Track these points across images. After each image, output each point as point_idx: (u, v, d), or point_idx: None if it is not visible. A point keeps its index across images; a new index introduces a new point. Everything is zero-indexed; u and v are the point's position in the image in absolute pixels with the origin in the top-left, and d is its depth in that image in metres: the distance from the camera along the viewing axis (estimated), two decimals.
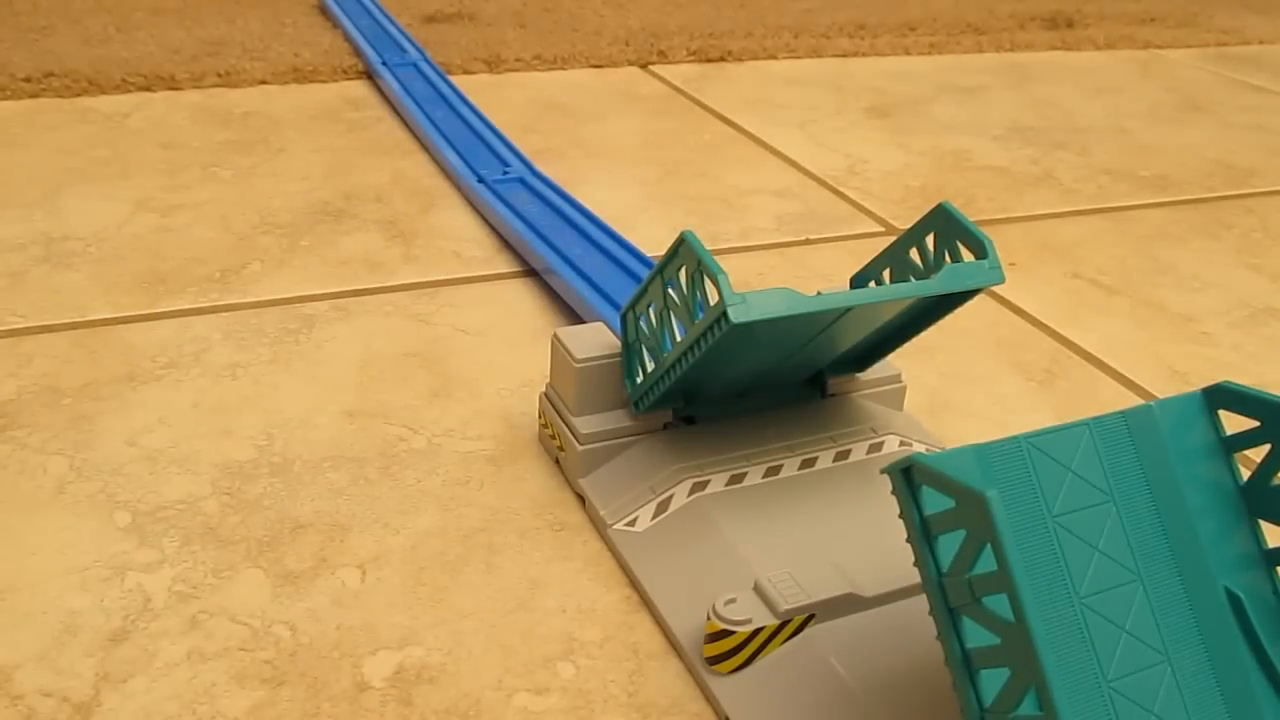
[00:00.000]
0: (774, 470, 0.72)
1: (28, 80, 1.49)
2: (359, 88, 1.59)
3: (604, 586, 0.68)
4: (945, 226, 0.70)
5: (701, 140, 1.47)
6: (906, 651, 0.60)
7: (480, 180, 1.20)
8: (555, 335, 0.76)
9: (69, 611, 0.63)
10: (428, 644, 0.63)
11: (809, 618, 0.60)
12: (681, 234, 0.64)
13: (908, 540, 0.51)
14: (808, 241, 1.18)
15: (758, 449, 0.74)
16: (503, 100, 1.57)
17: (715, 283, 0.60)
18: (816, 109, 1.64)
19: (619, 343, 0.75)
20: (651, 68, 1.80)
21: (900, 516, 0.51)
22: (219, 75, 1.57)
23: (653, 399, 0.71)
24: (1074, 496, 0.54)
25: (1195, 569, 0.55)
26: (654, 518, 0.70)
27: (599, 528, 0.72)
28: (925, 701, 0.58)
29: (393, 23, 1.79)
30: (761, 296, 0.60)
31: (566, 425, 0.75)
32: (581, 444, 0.74)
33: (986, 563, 0.47)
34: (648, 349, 0.71)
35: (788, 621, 0.59)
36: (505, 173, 1.22)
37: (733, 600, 0.60)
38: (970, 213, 1.29)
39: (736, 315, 0.59)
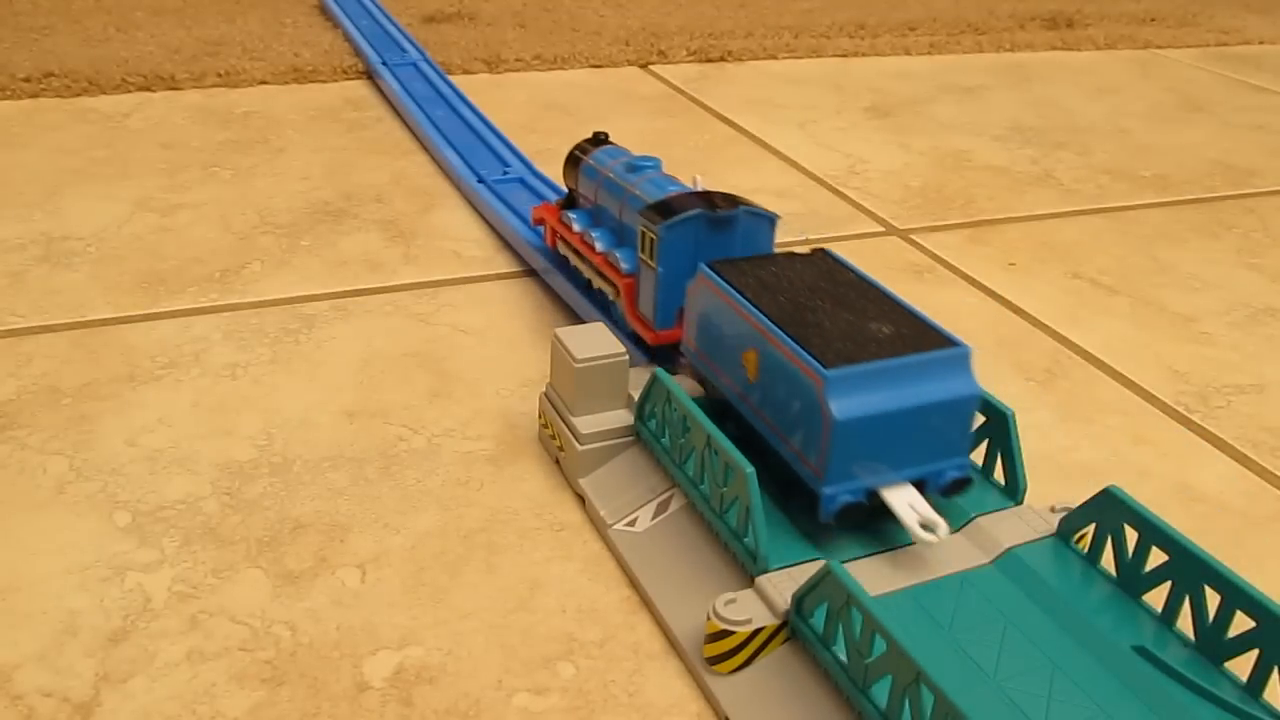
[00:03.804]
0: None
1: (28, 80, 1.49)
2: (359, 88, 1.59)
3: (604, 586, 0.68)
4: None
5: (701, 140, 1.47)
6: None
7: (480, 180, 1.20)
8: (555, 335, 0.76)
9: (69, 611, 0.63)
10: (428, 644, 0.63)
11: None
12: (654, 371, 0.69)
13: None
14: (808, 241, 1.18)
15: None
16: (503, 100, 1.57)
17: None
18: (816, 109, 1.64)
19: (619, 343, 0.75)
20: (651, 68, 1.80)
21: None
22: (219, 75, 1.57)
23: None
24: (970, 618, 0.59)
25: (1101, 645, 0.58)
26: (654, 518, 0.70)
27: (599, 528, 0.72)
28: None
29: (393, 22, 1.79)
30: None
31: (566, 425, 0.75)
32: (581, 444, 0.74)
33: (861, 626, 0.53)
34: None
35: (788, 621, 0.59)
36: (505, 173, 1.22)
37: (733, 600, 0.59)
38: (970, 213, 1.29)
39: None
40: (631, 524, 0.70)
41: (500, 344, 0.94)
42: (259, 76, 1.58)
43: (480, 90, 1.59)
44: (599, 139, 0.96)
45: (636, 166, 0.89)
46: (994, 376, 0.95)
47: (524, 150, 1.30)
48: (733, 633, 0.59)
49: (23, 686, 0.58)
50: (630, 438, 0.75)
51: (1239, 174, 1.50)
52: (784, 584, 0.60)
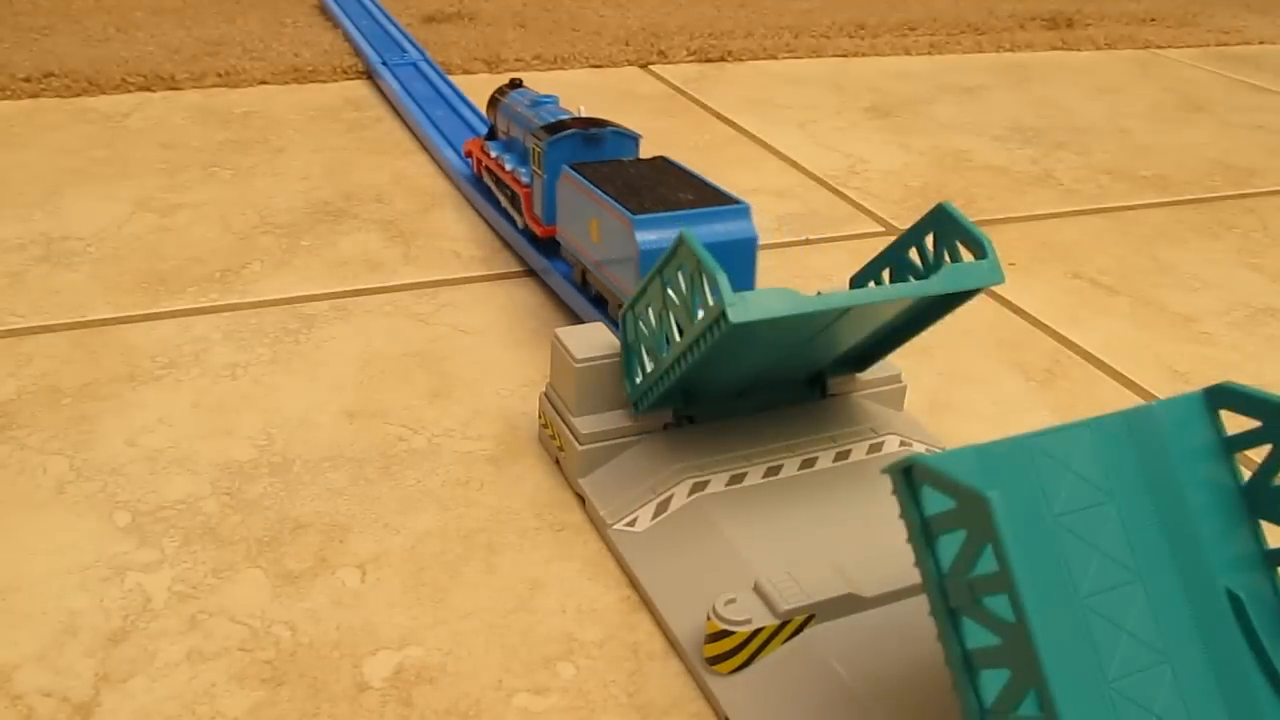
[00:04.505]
0: (774, 470, 0.72)
1: (28, 80, 1.49)
2: (359, 88, 1.59)
3: (604, 586, 0.68)
4: (945, 227, 0.70)
5: (702, 140, 1.47)
6: (907, 652, 0.60)
7: (480, 181, 1.20)
8: (555, 335, 0.76)
9: (69, 611, 0.63)
10: (428, 644, 0.63)
11: (809, 618, 0.60)
12: (680, 233, 0.64)
13: (908, 541, 0.51)
14: (808, 241, 1.18)
15: (758, 449, 0.74)
16: None
17: (714, 282, 0.60)
18: (816, 109, 1.64)
19: (619, 343, 0.75)
20: (651, 67, 1.80)
21: (901, 517, 0.51)
22: (219, 75, 1.57)
23: (652, 399, 0.71)
24: (1074, 497, 0.54)
25: (1195, 569, 0.55)
26: (654, 518, 0.70)
27: (599, 528, 0.72)
28: (925, 702, 0.57)
29: (392, 22, 1.79)
30: (760, 296, 0.60)
31: (566, 425, 0.75)
32: (581, 444, 0.74)
33: (987, 563, 0.47)
34: (647, 349, 0.71)
35: (787, 622, 0.59)
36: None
37: (733, 600, 0.60)
38: (970, 213, 1.29)
39: (735, 315, 0.59)
40: (631, 524, 0.70)
41: (500, 344, 0.94)
42: (259, 76, 1.58)
43: (480, 90, 1.59)
44: (514, 84, 1.15)
45: (538, 102, 1.06)
46: (994, 376, 0.95)
47: None
48: (733, 633, 0.59)
49: (23, 686, 0.58)
50: (631, 438, 0.75)
51: (1239, 174, 1.50)
52: (784, 584, 0.60)
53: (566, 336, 0.76)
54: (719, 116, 1.57)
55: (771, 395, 0.79)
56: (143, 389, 0.85)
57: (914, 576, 0.62)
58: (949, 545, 0.49)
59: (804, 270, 1.11)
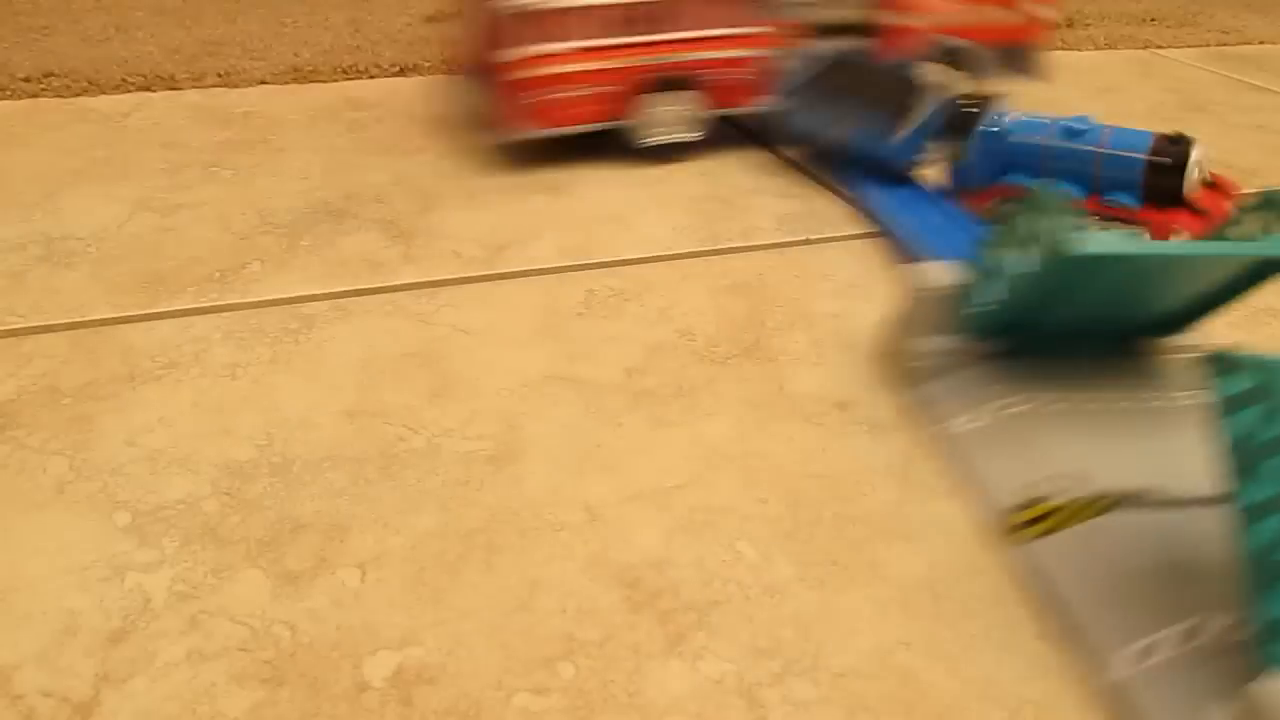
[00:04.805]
0: (1085, 402, 0.84)
1: (28, 80, 1.49)
2: (359, 88, 1.59)
3: (604, 586, 0.68)
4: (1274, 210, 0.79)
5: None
6: (1197, 547, 0.68)
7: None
8: (907, 268, 0.92)
9: (69, 611, 0.63)
10: (428, 644, 0.63)
11: (1112, 503, 0.71)
12: (1033, 188, 0.76)
13: (1211, 414, 0.61)
14: (808, 241, 1.18)
15: (1071, 383, 0.86)
16: None
17: (1062, 221, 0.72)
18: None
19: (960, 278, 0.87)
20: None
21: (1204, 400, 0.62)
22: (219, 75, 1.57)
23: (984, 328, 0.84)
24: None
25: None
26: (978, 421, 0.83)
27: (927, 426, 0.84)
28: (1213, 591, 0.65)
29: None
30: (1100, 235, 0.74)
31: (908, 343, 0.89)
32: (919, 360, 0.88)
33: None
34: (986, 284, 0.83)
35: (1093, 502, 0.71)
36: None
37: (1047, 479, 0.73)
38: None
39: (1078, 247, 0.70)
40: (958, 424, 0.83)
41: (500, 344, 0.94)
42: (259, 76, 1.58)
43: None
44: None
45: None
46: None
47: (522, 150, 1.30)
48: (1044, 502, 0.71)
49: (23, 686, 0.58)
50: (961, 360, 0.87)
51: (1239, 174, 1.50)
52: (1092, 474, 0.72)
53: (917, 270, 0.90)
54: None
55: (1088, 345, 0.88)
56: (143, 389, 0.85)
57: (1212, 489, 0.66)
58: (1245, 418, 0.59)
59: (804, 270, 1.11)
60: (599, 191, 1.26)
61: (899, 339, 0.90)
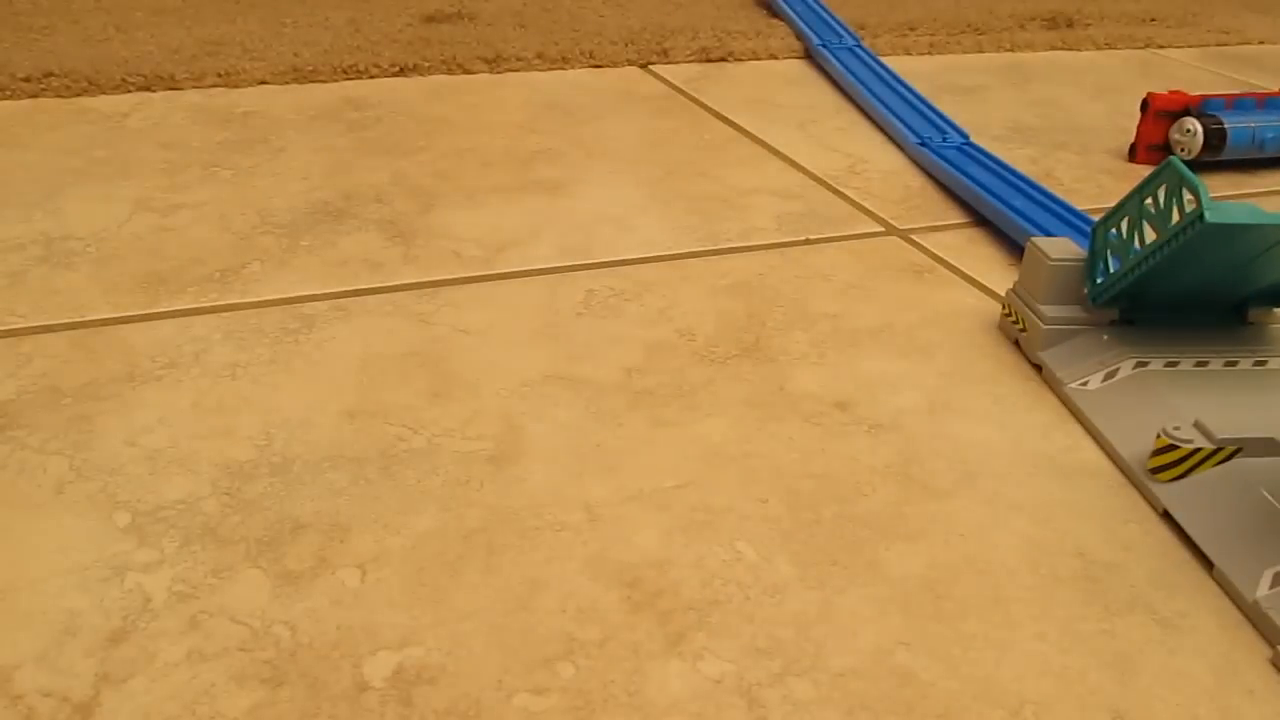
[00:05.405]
0: (1202, 364, 0.91)
1: (28, 80, 1.49)
2: (359, 87, 1.59)
3: (604, 586, 0.68)
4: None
5: (702, 140, 1.47)
6: None
7: (922, 143, 1.44)
8: (1031, 241, 0.98)
9: (69, 611, 0.63)
10: (428, 644, 0.63)
11: (1237, 450, 0.77)
12: (1168, 159, 0.84)
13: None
14: (808, 241, 1.18)
15: (1190, 347, 0.92)
16: (502, 100, 1.57)
17: (1195, 194, 0.78)
18: (816, 109, 1.64)
19: (1084, 252, 0.95)
20: (652, 67, 1.80)
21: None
22: (219, 75, 1.57)
23: (1109, 295, 0.91)
24: None
25: None
26: (1103, 381, 0.90)
27: (1053, 386, 0.92)
28: None
29: (827, 11, 2.06)
30: (1231, 206, 0.78)
31: (1033, 311, 0.96)
32: (1045, 324, 0.94)
33: None
34: (1113, 254, 0.91)
35: (1220, 449, 0.77)
36: (945, 139, 1.47)
37: (1178, 427, 0.79)
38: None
39: (1212, 216, 0.76)
40: (1084, 385, 0.90)
41: (500, 344, 0.94)
42: (259, 76, 1.58)
43: (480, 89, 1.59)
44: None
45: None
46: (994, 376, 0.95)
47: (522, 150, 1.30)
48: (1178, 448, 0.77)
49: (23, 686, 0.58)
50: (1085, 326, 0.94)
51: (1239, 174, 1.50)
52: (1219, 423, 0.77)
53: (1043, 243, 0.97)
54: (719, 116, 1.57)
55: (1201, 315, 0.95)
56: (143, 389, 0.85)
57: None
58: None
59: (804, 270, 1.11)
60: (599, 191, 1.26)
61: (1025, 308, 0.97)
